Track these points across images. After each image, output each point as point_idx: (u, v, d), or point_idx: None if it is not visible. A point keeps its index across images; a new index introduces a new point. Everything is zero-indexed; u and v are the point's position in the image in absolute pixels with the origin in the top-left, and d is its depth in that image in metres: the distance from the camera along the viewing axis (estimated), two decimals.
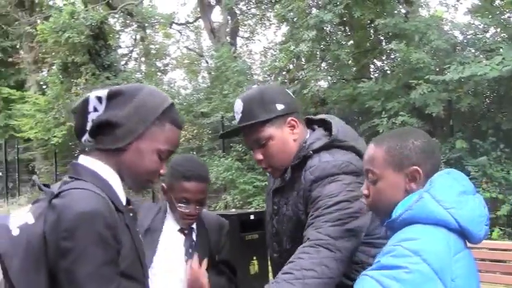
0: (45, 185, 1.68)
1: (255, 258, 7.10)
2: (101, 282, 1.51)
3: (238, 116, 2.32)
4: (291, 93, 2.45)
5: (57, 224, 1.52)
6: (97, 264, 1.51)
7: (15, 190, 25.82)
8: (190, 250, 2.65)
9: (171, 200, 2.62)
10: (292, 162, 2.25)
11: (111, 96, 1.71)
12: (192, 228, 2.71)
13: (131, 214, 1.78)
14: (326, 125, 2.37)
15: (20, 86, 26.71)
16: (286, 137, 2.27)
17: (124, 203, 1.74)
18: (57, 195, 1.58)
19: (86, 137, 1.73)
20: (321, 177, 2.13)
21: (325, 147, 2.22)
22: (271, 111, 2.25)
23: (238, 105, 2.31)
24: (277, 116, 2.25)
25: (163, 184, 2.67)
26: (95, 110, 1.70)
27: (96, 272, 1.51)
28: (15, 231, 1.55)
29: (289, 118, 2.28)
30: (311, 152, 2.22)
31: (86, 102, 1.71)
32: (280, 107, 2.26)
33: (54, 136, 21.06)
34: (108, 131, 1.70)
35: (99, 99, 1.70)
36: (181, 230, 2.68)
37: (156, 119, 1.73)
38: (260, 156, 2.30)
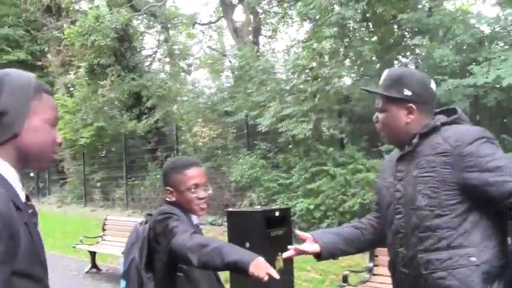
0: None
1: (280, 253, 7.21)
2: None
3: (380, 81, 2.73)
4: (433, 87, 2.71)
5: None
6: None
7: (46, 190, 26.24)
8: None
9: (182, 194, 2.88)
10: (421, 131, 2.59)
11: None
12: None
13: (31, 211, 1.74)
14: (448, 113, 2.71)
15: None
16: (398, 117, 2.65)
17: (23, 199, 1.71)
18: None
19: None
20: (469, 140, 2.46)
21: (450, 123, 2.60)
22: (398, 92, 2.62)
23: (383, 74, 2.74)
24: (399, 98, 2.62)
25: (168, 188, 2.91)
26: None
27: None
28: None
29: (410, 104, 2.61)
30: (439, 123, 2.58)
31: None
32: (407, 92, 2.61)
33: (82, 137, 21.32)
34: None
35: None
36: (197, 226, 2.96)
37: (33, 94, 1.73)
38: (375, 119, 2.75)
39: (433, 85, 2.71)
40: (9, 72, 1.76)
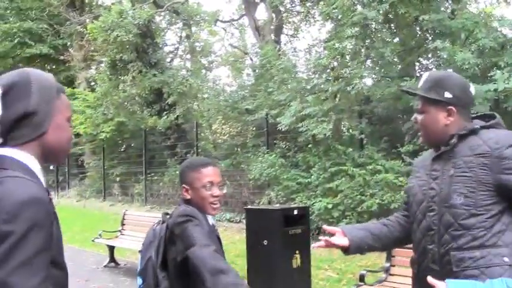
0: None
1: (297, 252, 7.24)
2: (34, 270, 1.54)
3: (420, 83, 2.81)
4: (472, 91, 2.80)
5: None
6: (35, 250, 1.55)
7: (65, 183, 26.45)
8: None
9: (197, 192, 2.96)
10: (459, 132, 2.67)
11: (5, 93, 1.76)
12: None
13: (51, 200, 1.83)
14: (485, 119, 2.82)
15: (70, 82, 27.35)
16: (438, 119, 2.72)
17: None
18: None
19: None
20: (509, 143, 2.56)
21: (488, 127, 2.70)
22: (438, 94, 2.70)
23: (424, 76, 2.83)
24: (440, 101, 2.70)
25: (184, 186, 3.00)
26: None
27: (32, 258, 1.54)
28: None
29: (450, 107, 2.69)
30: (478, 126, 2.67)
31: None
32: (448, 95, 2.69)
33: (102, 131, 21.45)
34: (25, 122, 1.76)
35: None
36: (213, 226, 3.04)
37: (56, 94, 1.86)
38: (414, 119, 2.83)
39: (472, 89, 2.80)
40: (31, 72, 1.85)
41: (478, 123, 2.73)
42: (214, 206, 2.97)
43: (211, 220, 3.00)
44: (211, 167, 3.02)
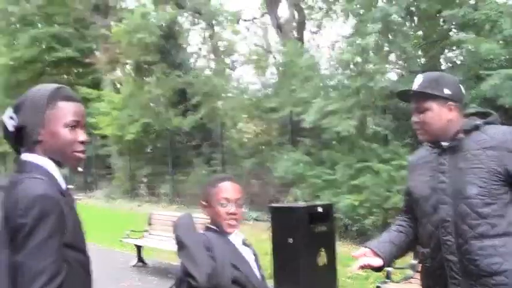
0: None
1: (323, 249, 7.25)
2: (45, 253, 1.85)
3: (414, 86, 2.90)
4: (462, 89, 2.96)
5: (14, 206, 1.88)
6: (45, 236, 1.86)
7: (93, 184, 26.75)
8: (254, 259, 2.88)
9: (213, 208, 2.79)
10: (464, 127, 2.82)
11: (16, 110, 2.09)
12: (245, 239, 2.90)
13: (70, 196, 2.13)
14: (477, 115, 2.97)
15: (96, 85, 27.62)
16: (442, 115, 2.84)
17: (64, 187, 2.09)
18: (10, 186, 1.96)
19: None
20: None
21: (489, 123, 2.85)
22: (438, 91, 2.83)
23: (418, 78, 2.92)
24: (441, 97, 2.83)
25: (202, 202, 2.85)
26: (14, 127, 2.09)
27: (44, 243, 1.86)
28: None
29: (450, 102, 2.84)
30: (481, 122, 2.83)
31: (4, 126, 2.10)
32: (447, 91, 2.84)
33: (128, 133, 21.64)
34: (22, 134, 2.07)
35: (11, 118, 2.09)
36: (244, 243, 2.86)
37: (47, 104, 2.08)
38: (416, 119, 2.90)
39: (463, 89, 2.97)
40: (32, 89, 2.15)
41: (476, 119, 2.88)
42: (230, 223, 2.77)
43: (236, 238, 2.82)
44: (229, 182, 2.84)
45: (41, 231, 1.86)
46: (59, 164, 2.10)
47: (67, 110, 2.11)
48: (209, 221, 2.87)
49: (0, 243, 1.88)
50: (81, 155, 2.16)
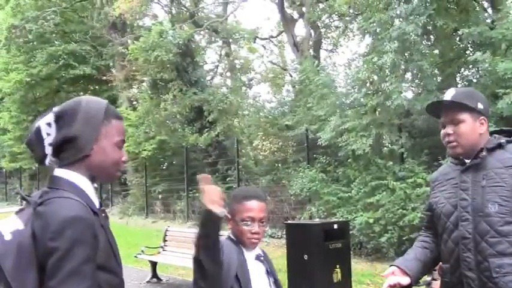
0: (27, 196, 1.98)
1: (338, 266, 7.23)
2: (80, 278, 1.78)
3: (447, 97, 2.92)
4: (488, 105, 2.99)
5: (45, 227, 1.81)
6: (79, 262, 1.79)
7: (108, 201, 26.79)
8: (267, 275, 2.86)
9: (237, 225, 2.81)
10: (488, 145, 2.83)
11: (58, 118, 2.01)
12: (261, 254, 2.91)
13: (103, 215, 2.07)
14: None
15: (113, 102, 27.69)
16: (475, 128, 2.85)
17: (97, 205, 2.03)
18: (40, 204, 1.89)
19: (49, 159, 2.03)
20: None
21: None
22: (473, 104, 2.85)
23: (451, 91, 2.94)
24: (475, 110, 2.85)
25: (226, 214, 2.78)
26: (48, 134, 2.00)
27: (78, 268, 1.78)
28: (8, 236, 1.84)
29: (482, 117, 2.87)
30: (504, 140, 2.84)
31: (38, 131, 2.01)
32: (480, 106, 2.86)
33: (144, 150, 21.70)
34: (68, 146, 1.99)
35: (49, 124, 2.00)
36: (257, 258, 2.86)
37: (103, 120, 2.05)
38: (450, 131, 2.88)
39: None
40: (83, 100, 2.08)
41: (500, 137, 2.90)
42: (253, 241, 2.81)
43: (249, 255, 2.84)
44: (256, 201, 2.83)
45: (76, 256, 1.79)
46: (92, 180, 2.05)
47: (118, 128, 2.11)
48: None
49: (27, 262, 1.82)
50: (120, 174, 2.20)
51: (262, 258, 2.89)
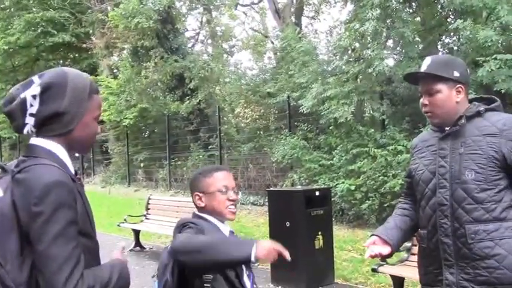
0: (4, 164, 2.06)
1: (320, 233, 7.31)
2: (66, 239, 1.86)
3: (423, 68, 2.95)
4: (468, 72, 3.03)
5: (27, 193, 1.87)
6: (63, 224, 1.86)
7: (90, 170, 26.72)
8: None
9: (213, 198, 2.79)
10: (467, 113, 2.85)
11: (44, 91, 2.01)
12: (232, 230, 2.91)
13: (79, 182, 2.11)
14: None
15: (93, 70, 27.50)
16: (451, 97, 2.88)
17: (73, 173, 2.09)
18: (19, 172, 1.94)
19: (28, 128, 2.03)
20: None
21: (491, 109, 2.89)
22: (448, 74, 2.86)
23: (427, 60, 2.96)
24: (451, 79, 2.87)
25: (197, 193, 2.83)
26: (31, 105, 2.00)
27: (63, 231, 1.86)
28: None
29: (459, 85, 2.88)
30: (483, 108, 2.86)
31: (23, 102, 2.00)
32: (456, 74, 2.87)
33: (126, 118, 21.60)
34: (55, 120, 2.02)
35: (34, 96, 2.00)
36: (231, 234, 2.86)
37: (88, 96, 2.09)
38: (426, 102, 2.92)
39: (468, 71, 3.04)
40: (69, 75, 2.08)
41: (480, 105, 2.92)
42: (232, 210, 2.82)
43: (225, 228, 2.84)
44: (225, 171, 2.90)
45: (60, 219, 1.85)
46: (68, 150, 2.08)
47: (98, 103, 2.16)
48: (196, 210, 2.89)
49: (8, 229, 1.88)
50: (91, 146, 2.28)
51: (234, 234, 2.92)
